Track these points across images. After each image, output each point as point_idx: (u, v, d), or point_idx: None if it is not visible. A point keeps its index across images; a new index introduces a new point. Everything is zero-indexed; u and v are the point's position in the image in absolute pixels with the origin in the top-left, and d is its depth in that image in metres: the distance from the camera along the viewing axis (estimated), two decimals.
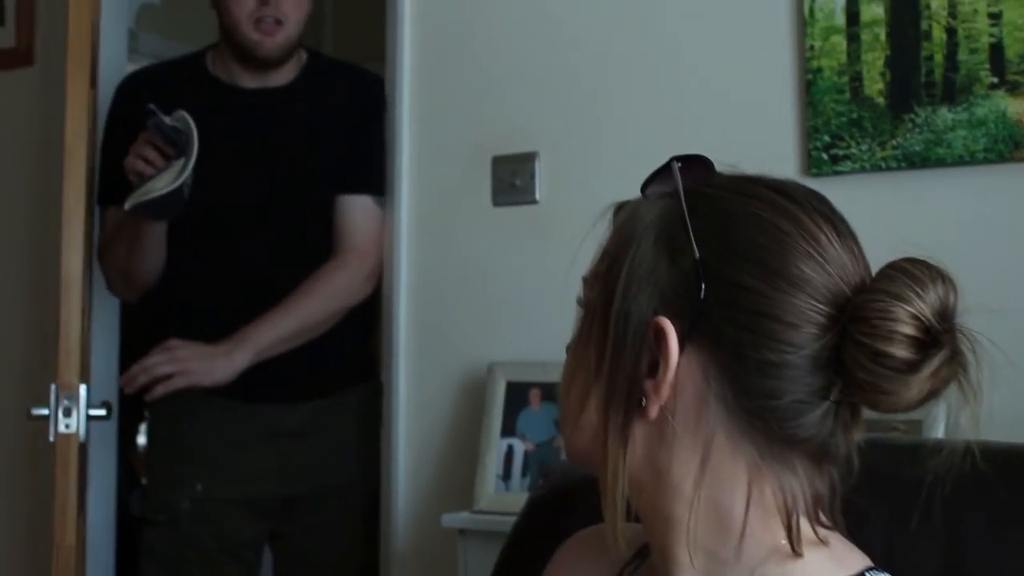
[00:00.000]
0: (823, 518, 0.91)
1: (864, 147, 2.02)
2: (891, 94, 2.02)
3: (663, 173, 0.95)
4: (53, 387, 2.02)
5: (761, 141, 2.10)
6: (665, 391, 0.88)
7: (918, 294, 0.83)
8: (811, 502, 0.90)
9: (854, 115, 2.04)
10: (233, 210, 2.45)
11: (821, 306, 0.86)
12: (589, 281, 0.96)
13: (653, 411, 0.89)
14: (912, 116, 1.99)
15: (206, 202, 2.38)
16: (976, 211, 1.92)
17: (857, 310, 0.85)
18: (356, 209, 2.49)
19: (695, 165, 0.95)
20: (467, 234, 2.43)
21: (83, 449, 2.04)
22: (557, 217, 2.30)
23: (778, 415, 0.87)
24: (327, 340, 2.46)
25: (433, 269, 2.47)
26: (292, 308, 2.39)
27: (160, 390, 2.27)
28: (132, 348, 2.56)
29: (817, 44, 2.08)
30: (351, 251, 2.47)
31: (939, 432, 1.85)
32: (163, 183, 2.23)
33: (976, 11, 1.96)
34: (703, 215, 0.90)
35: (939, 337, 0.83)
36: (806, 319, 0.86)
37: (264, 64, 2.49)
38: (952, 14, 1.98)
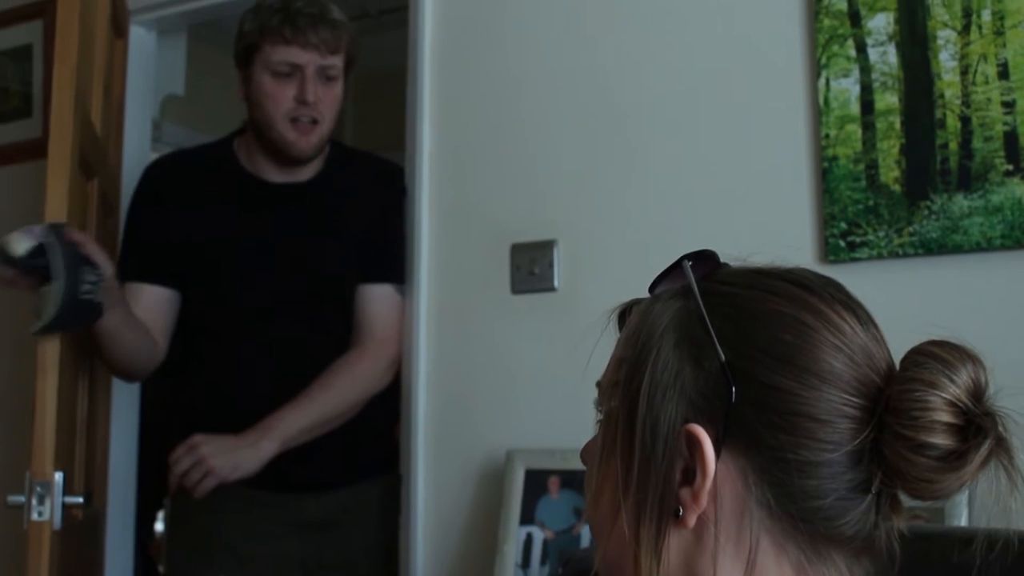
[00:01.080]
0: None
1: (881, 234, 2.03)
2: (907, 181, 2.03)
3: (673, 272, 0.94)
4: (28, 475, 2.01)
5: (778, 228, 2.11)
6: (704, 499, 0.86)
7: (951, 378, 0.82)
8: None
9: (870, 202, 2.05)
10: (258, 303, 2.45)
11: (854, 399, 0.85)
12: (606, 389, 0.94)
13: (691, 520, 0.86)
14: (928, 203, 2.00)
15: (230, 294, 2.42)
16: (994, 297, 1.92)
17: (892, 401, 0.83)
18: (377, 298, 2.49)
19: (703, 260, 0.94)
20: (486, 322, 2.43)
21: (59, 536, 2.02)
22: (576, 304, 2.31)
23: (823, 515, 0.85)
24: (353, 429, 2.44)
25: (452, 356, 2.47)
26: (317, 397, 2.37)
27: (199, 492, 2.23)
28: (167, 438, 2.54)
29: (832, 132, 2.10)
30: (373, 340, 2.46)
31: (963, 519, 1.83)
32: (48, 311, 2.07)
33: (990, 100, 1.98)
34: (722, 314, 0.89)
35: (979, 422, 0.81)
36: (841, 414, 0.84)
37: (297, 162, 2.47)
38: (966, 103, 2.00)
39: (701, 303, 0.89)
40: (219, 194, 2.49)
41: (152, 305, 2.43)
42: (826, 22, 2.13)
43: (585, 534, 2.18)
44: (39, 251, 2.04)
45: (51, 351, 2.02)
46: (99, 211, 2.45)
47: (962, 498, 1.84)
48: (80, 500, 2.05)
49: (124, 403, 2.78)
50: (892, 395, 0.84)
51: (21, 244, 2.04)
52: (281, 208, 2.49)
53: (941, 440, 0.81)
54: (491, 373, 2.41)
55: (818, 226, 2.11)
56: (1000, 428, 0.82)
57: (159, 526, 3.77)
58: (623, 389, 0.91)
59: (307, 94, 2.37)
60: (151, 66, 3.06)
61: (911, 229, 2.01)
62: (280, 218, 2.49)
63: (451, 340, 2.47)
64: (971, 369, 0.83)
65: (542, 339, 2.35)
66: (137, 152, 2.93)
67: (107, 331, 2.25)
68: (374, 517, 2.52)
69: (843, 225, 2.07)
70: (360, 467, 2.51)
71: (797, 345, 0.86)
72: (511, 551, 2.23)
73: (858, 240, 2.05)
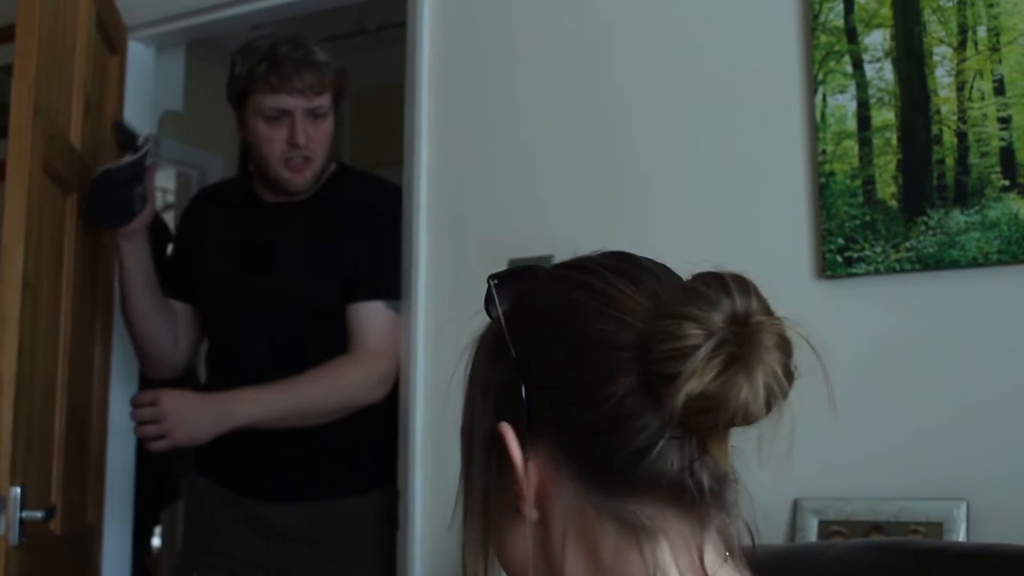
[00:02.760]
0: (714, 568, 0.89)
1: (878, 249, 2.04)
2: (904, 197, 2.03)
3: (488, 296, 0.99)
4: None
5: (775, 244, 2.12)
6: (527, 490, 0.90)
7: (700, 307, 0.83)
8: (696, 560, 0.88)
9: (867, 218, 2.06)
10: (249, 316, 2.54)
11: (622, 352, 0.86)
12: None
13: (528, 511, 0.90)
14: (925, 219, 2.01)
15: (226, 307, 2.57)
16: (991, 312, 1.92)
17: (648, 342, 0.85)
18: (368, 314, 2.50)
19: (519, 275, 0.99)
20: None
21: (19, 552, 2.02)
22: None
23: (620, 471, 0.86)
24: (327, 444, 2.47)
25: (450, 372, 2.46)
26: (297, 388, 2.41)
27: (152, 448, 2.33)
28: None
29: (829, 148, 2.11)
30: (362, 350, 2.48)
31: (961, 534, 1.83)
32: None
33: (986, 115, 1.99)
34: (517, 318, 0.95)
35: (722, 335, 0.82)
36: (610, 370, 0.86)
37: (296, 194, 2.57)
38: (962, 119, 2.01)
39: (500, 314, 0.96)
40: (231, 218, 2.66)
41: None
42: (823, 38, 2.14)
43: None
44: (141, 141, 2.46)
45: (8, 368, 2.02)
46: (80, 226, 2.45)
47: (960, 512, 1.84)
48: (40, 515, 2.04)
49: (121, 419, 2.77)
50: (647, 336, 0.85)
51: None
52: (277, 226, 2.58)
53: (691, 367, 0.81)
54: None
55: (815, 241, 2.11)
56: (728, 335, 0.81)
57: (156, 541, 3.77)
58: (462, 412, 0.98)
59: (298, 137, 2.48)
60: (149, 82, 3.07)
61: (908, 244, 2.01)
62: (275, 235, 2.57)
63: (449, 356, 2.45)
64: (725, 295, 0.83)
65: None
66: None
67: (127, 264, 2.51)
68: (355, 535, 2.51)
69: (840, 240, 2.07)
70: (336, 483, 2.50)
71: (565, 321, 0.90)
72: None
73: (855, 255, 2.06)
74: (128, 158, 2.43)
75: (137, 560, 2.98)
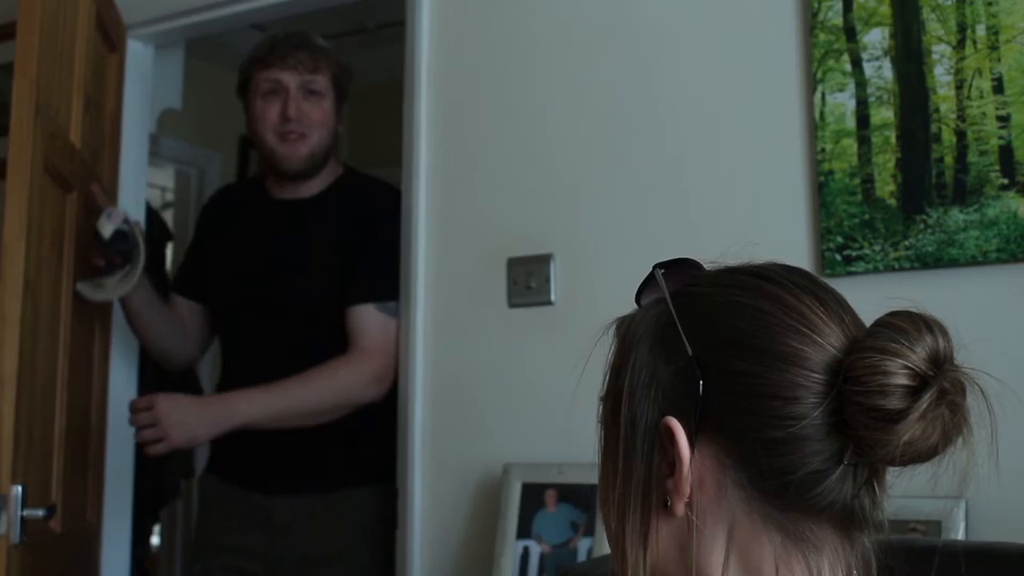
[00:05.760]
0: None
1: (877, 248, 2.04)
2: (902, 195, 2.03)
3: (651, 282, 0.99)
4: None
5: (774, 243, 2.10)
6: (685, 487, 0.89)
7: (905, 344, 0.84)
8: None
9: (866, 216, 2.06)
10: (250, 312, 2.59)
11: (815, 375, 0.87)
12: (602, 399, 0.99)
13: (679, 508, 0.90)
14: (924, 217, 2.01)
15: (232, 305, 2.64)
16: (990, 311, 1.93)
17: (849, 371, 0.86)
18: (359, 316, 2.53)
19: (680, 268, 0.99)
20: (483, 336, 2.44)
21: (21, 552, 2.02)
22: (572, 318, 2.31)
23: (794, 489, 0.88)
24: (326, 437, 2.50)
25: (449, 370, 2.47)
26: (291, 389, 2.44)
27: (150, 452, 2.37)
28: None
29: (828, 147, 2.11)
30: (357, 351, 2.51)
31: (960, 532, 1.83)
32: (110, 289, 2.48)
33: (985, 114, 1.99)
34: (691, 314, 0.94)
35: (929, 381, 0.83)
36: (803, 390, 0.87)
37: (289, 175, 2.59)
38: (961, 117, 2.01)
39: (671, 305, 0.94)
40: (243, 217, 2.71)
41: (183, 313, 2.75)
42: (821, 37, 2.14)
43: (582, 548, 2.18)
44: (119, 236, 2.42)
45: (8, 367, 2.02)
46: (81, 224, 2.45)
47: (959, 510, 1.84)
48: (40, 513, 2.05)
49: (120, 419, 2.77)
50: (849, 365, 0.86)
51: (106, 228, 2.41)
52: (282, 224, 2.63)
53: (893, 403, 0.83)
54: (488, 386, 2.41)
55: (814, 240, 2.11)
56: (945, 383, 0.83)
57: (155, 540, 3.77)
58: (609, 396, 0.97)
59: (289, 109, 2.53)
60: (148, 81, 3.07)
61: (907, 243, 2.01)
62: (283, 236, 2.62)
63: (448, 353, 2.48)
64: (929, 337, 0.85)
65: (539, 353, 2.35)
66: (134, 166, 2.94)
67: (132, 308, 2.59)
68: (351, 529, 2.53)
69: (839, 239, 2.07)
70: (334, 478, 2.53)
71: (755, 331, 0.90)
72: (508, 565, 2.22)
73: (854, 254, 2.06)
74: (124, 275, 2.48)
75: (136, 559, 2.98)
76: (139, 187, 2.98)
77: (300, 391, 2.45)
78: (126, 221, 2.43)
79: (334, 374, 2.48)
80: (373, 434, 2.56)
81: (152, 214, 3.47)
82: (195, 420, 2.36)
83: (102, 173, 2.69)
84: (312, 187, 2.63)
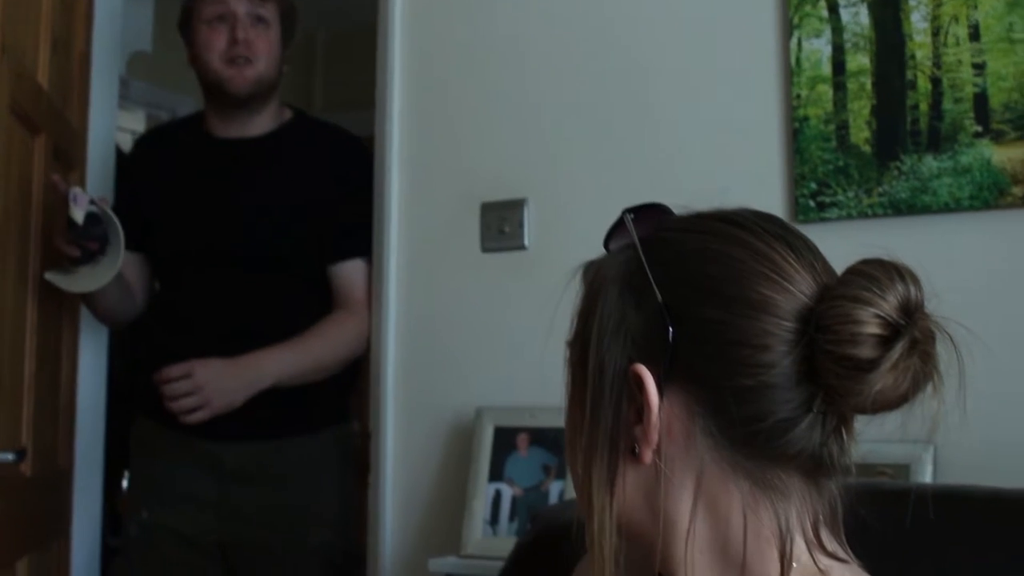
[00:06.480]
0: (827, 543, 0.91)
1: (850, 194, 2.04)
2: (877, 142, 2.03)
3: (620, 227, 0.97)
4: None
5: (748, 188, 2.11)
6: (653, 435, 0.89)
7: (877, 293, 0.84)
8: (810, 526, 0.90)
9: (840, 163, 2.06)
10: (201, 258, 2.51)
11: (785, 323, 0.87)
12: (570, 345, 0.98)
13: (647, 456, 0.90)
14: (898, 164, 2.01)
15: (181, 251, 2.53)
16: (962, 257, 1.94)
17: (820, 319, 0.85)
18: (354, 271, 2.52)
19: (650, 213, 0.97)
20: (456, 280, 2.43)
21: None
22: (545, 263, 2.31)
23: (764, 437, 0.88)
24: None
25: (422, 314, 2.47)
26: (312, 345, 2.44)
27: (191, 419, 2.33)
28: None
29: (804, 93, 2.10)
30: (355, 304, 2.51)
31: (928, 476, 1.85)
32: (87, 278, 2.34)
33: (960, 61, 1.98)
34: (660, 259, 0.92)
35: (901, 330, 0.83)
36: (773, 338, 0.87)
37: (236, 101, 2.53)
38: (937, 64, 2.00)
39: (640, 251, 0.93)
40: (182, 159, 2.61)
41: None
42: None
43: (554, 491, 2.19)
44: (92, 219, 2.26)
45: None
46: (49, 167, 2.42)
47: (927, 454, 1.86)
48: (10, 457, 2.04)
49: (91, 363, 2.76)
50: (820, 313, 0.86)
51: (77, 214, 2.25)
52: (231, 165, 2.55)
53: (864, 351, 0.83)
54: (461, 331, 2.41)
55: (788, 186, 2.11)
56: (916, 332, 0.83)
57: (125, 483, 3.77)
58: (577, 342, 0.96)
59: (237, 33, 2.49)
60: (117, 22, 3.02)
61: (880, 189, 2.02)
62: (224, 171, 2.55)
63: (421, 298, 2.47)
64: (901, 285, 0.85)
65: (512, 297, 2.35)
66: (103, 109, 2.90)
67: (104, 293, 2.45)
68: (312, 472, 2.49)
69: (813, 185, 2.07)
70: (297, 421, 2.48)
71: (725, 277, 0.89)
72: (480, 508, 2.24)
73: (828, 200, 2.06)
74: (105, 267, 2.33)
75: (108, 503, 2.98)
76: (108, 131, 2.94)
77: (320, 347, 2.45)
78: (92, 202, 2.29)
79: (345, 329, 2.49)
80: (332, 376, 2.52)
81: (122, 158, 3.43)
82: (234, 385, 2.35)
83: (71, 116, 2.65)
84: (259, 125, 2.57)
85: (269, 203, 2.51)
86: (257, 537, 2.43)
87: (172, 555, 2.45)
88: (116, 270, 2.33)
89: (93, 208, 2.28)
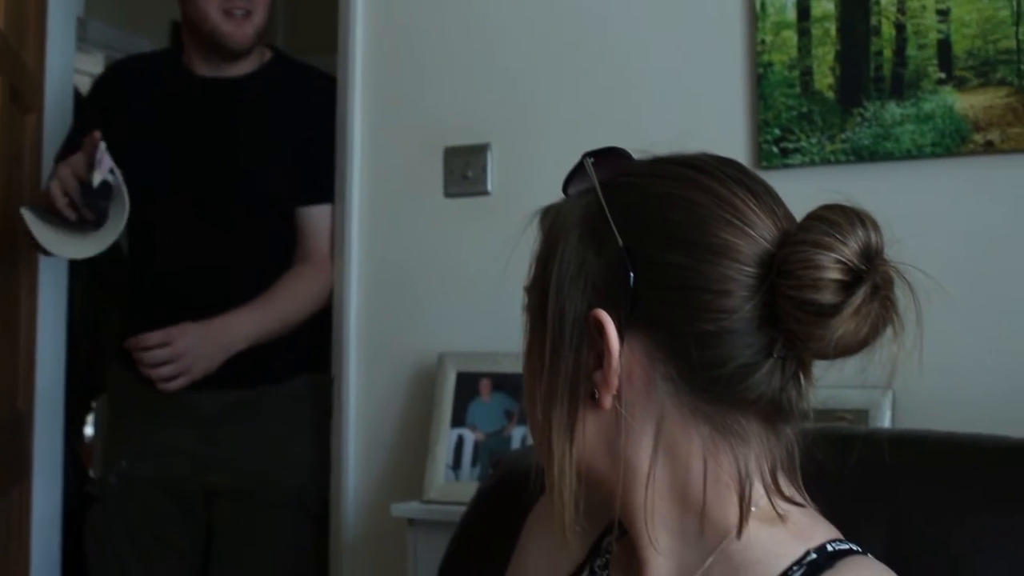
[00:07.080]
0: (784, 487, 0.92)
1: (814, 140, 2.04)
2: (841, 88, 2.04)
3: (579, 171, 0.96)
4: None
5: (711, 134, 2.11)
6: (613, 380, 0.89)
7: (838, 238, 0.84)
8: (768, 470, 0.91)
9: (804, 109, 2.06)
10: (179, 200, 2.47)
11: (747, 268, 0.87)
12: (528, 290, 0.97)
13: (607, 401, 0.90)
14: (861, 110, 2.01)
15: (155, 191, 2.43)
16: (924, 204, 1.94)
17: (781, 264, 0.86)
18: (322, 217, 2.50)
19: (610, 157, 0.96)
20: (419, 225, 2.42)
21: None
22: (509, 208, 2.30)
23: (724, 382, 0.88)
24: None
25: (384, 259, 2.46)
26: (280, 302, 2.43)
27: (170, 387, 2.31)
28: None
29: (768, 39, 2.10)
30: (322, 255, 2.49)
31: (886, 421, 1.87)
32: (64, 245, 2.25)
33: (924, 8, 1.98)
34: (621, 204, 0.92)
35: (862, 276, 0.83)
36: (735, 283, 0.87)
37: (234, 55, 2.49)
38: (901, 10, 2.00)
39: (601, 195, 0.92)
40: (158, 94, 2.54)
41: None
42: None
43: (516, 436, 2.20)
44: (104, 188, 2.16)
45: None
46: (5, 109, 2.38)
47: (886, 400, 1.88)
48: None
49: (51, 305, 2.74)
50: (781, 258, 0.86)
51: (96, 177, 2.15)
52: (211, 103, 2.51)
53: (826, 296, 0.83)
54: (423, 276, 2.41)
55: (751, 132, 2.11)
56: (877, 278, 0.84)
57: (89, 430, 3.74)
58: (536, 287, 0.95)
59: None
60: None
61: (843, 136, 2.02)
62: (204, 110, 2.50)
63: (383, 243, 2.46)
64: (861, 231, 0.85)
65: (474, 243, 2.34)
66: (60, 50, 2.85)
67: None
68: (285, 419, 2.50)
69: (776, 131, 2.07)
70: (263, 368, 2.47)
71: (686, 222, 0.89)
72: (442, 453, 2.24)
73: (791, 146, 2.06)
74: (101, 238, 2.22)
75: (69, 447, 2.96)
76: (66, 73, 2.89)
77: (290, 305, 2.44)
78: (112, 171, 2.18)
79: (310, 285, 2.47)
80: (305, 323, 2.51)
81: (80, 101, 3.38)
82: (211, 350, 2.33)
83: (27, 57, 2.61)
84: (242, 66, 2.53)
85: (250, 142, 2.48)
86: (234, 483, 2.43)
87: (152, 504, 2.46)
88: (101, 249, 2.25)
89: (110, 177, 2.19)
